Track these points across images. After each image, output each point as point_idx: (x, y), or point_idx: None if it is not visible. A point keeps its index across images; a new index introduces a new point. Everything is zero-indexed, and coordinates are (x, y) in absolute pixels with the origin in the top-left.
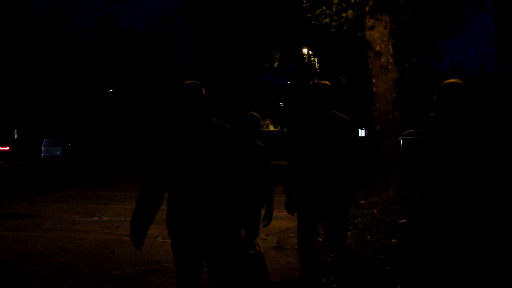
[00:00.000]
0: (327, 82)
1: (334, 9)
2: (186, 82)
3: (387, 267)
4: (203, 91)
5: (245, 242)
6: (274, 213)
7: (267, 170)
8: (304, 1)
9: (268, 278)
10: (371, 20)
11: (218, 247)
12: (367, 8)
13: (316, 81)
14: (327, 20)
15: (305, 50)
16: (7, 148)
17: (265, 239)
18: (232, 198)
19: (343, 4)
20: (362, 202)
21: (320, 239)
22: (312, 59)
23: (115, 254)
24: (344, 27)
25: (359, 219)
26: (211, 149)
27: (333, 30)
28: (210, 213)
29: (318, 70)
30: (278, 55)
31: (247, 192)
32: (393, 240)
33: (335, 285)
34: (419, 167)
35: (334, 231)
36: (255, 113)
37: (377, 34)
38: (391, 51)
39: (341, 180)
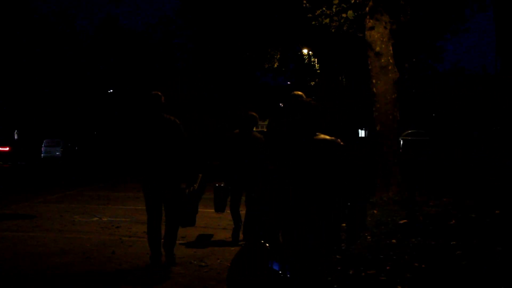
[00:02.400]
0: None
1: (334, 10)
2: (153, 92)
3: (387, 267)
4: (162, 99)
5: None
6: None
7: (259, 152)
8: (304, 1)
9: (192, 213)
10: (371, 21)
11: (166, 192)
12: (367, 9)
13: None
14: (327, 20)
15: (305, 51)
16: (7, 148)
17: None
18: (175, 163)
19: (343, 5)
20: None
21: None
22: (312, 59)
23: (115, 254)
24: (344, 28)
25: None
26: (161, 132)
27: (333, 30)
28: (161, 171)
29: (318, 71)
30: (278, 56)
31: (190, 161)
32: (393, 241)
33: (335, 286)
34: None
35: None
36: (253, 113)
37: (377, 35)
38: (391, 52)
39: None
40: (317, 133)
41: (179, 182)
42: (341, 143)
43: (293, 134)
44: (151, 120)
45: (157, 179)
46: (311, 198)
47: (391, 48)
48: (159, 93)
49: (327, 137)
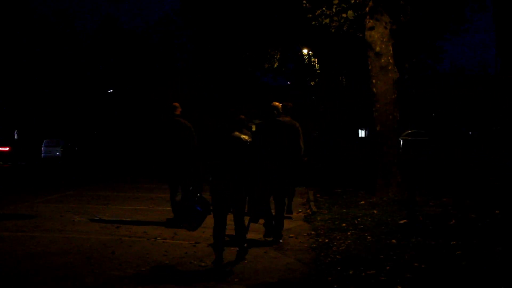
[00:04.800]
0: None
1: (334, 10)
2: (173, 103)
3: (387, 267)
4: (180, 108)
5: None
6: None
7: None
8: (304, 1)
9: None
10: (371, 21)
11: (181, 174)
12: (367, 9)
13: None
14: (327, 20)
15: (305, 51)
16: (7, 148)
17: (265, 240)
18: (187, 155)
19: (343, 5)
20: (362, 202)
21: (320, 240)
22: (312, 59)
23: (115, 254)
24: (344, 28)
25: (359, 219)
26: (177, 132)
27: (333, 30)
28: (178, 160)
29: (318, 71)
30: (278, 56)
31: (196, 155)
32: (393, 241)
33: (335, 286)
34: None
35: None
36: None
37: (377, 35)
38: (391, 52)
39: (292, 157)
40: (234, 132)
41: (189, 168)
42: (249, 140)
43: (221, 133)
44: (170, 124)
45: (175, 164)
46: (230, 169)
47: (391, 48)
48: (177, 104)
49: (240, 135)
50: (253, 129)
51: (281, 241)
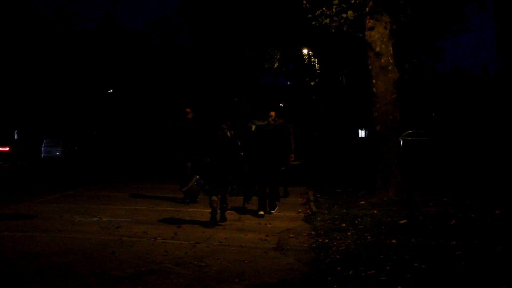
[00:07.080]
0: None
1: (334, 10)
2: (185, 108)
3: (387, 267)
4: (192, 113)
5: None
6: (274, 213)
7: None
8: (304, 1)
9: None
10: (371, 21)
11: (189, 163)
12: (367, 9)
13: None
14: (327, 20)
15: (305, 51)
16: (7, 148)
17: (265, 240)
18: (192, 148)
19: (343, 5)
20: (362, 202)
21: (320, 240)
22: (312, 59)
23: (115, 254)
24: (344, 28)
25: (359, 219)
26: (187, 129)
27: (333, 30)
28: (186, 153)
29: (318, 71)
30: (278, 56)
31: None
32: (393, 241)
33: (335, 286)
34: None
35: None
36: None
37: (377, 35)
38: (391, 52)
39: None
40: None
41: (193, 157)
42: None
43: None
44: (180, 121)
45: (182, 155)
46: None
47: (391, 48)
48: (189, 110)
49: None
50: (253, 129)
51: (261, 212)
